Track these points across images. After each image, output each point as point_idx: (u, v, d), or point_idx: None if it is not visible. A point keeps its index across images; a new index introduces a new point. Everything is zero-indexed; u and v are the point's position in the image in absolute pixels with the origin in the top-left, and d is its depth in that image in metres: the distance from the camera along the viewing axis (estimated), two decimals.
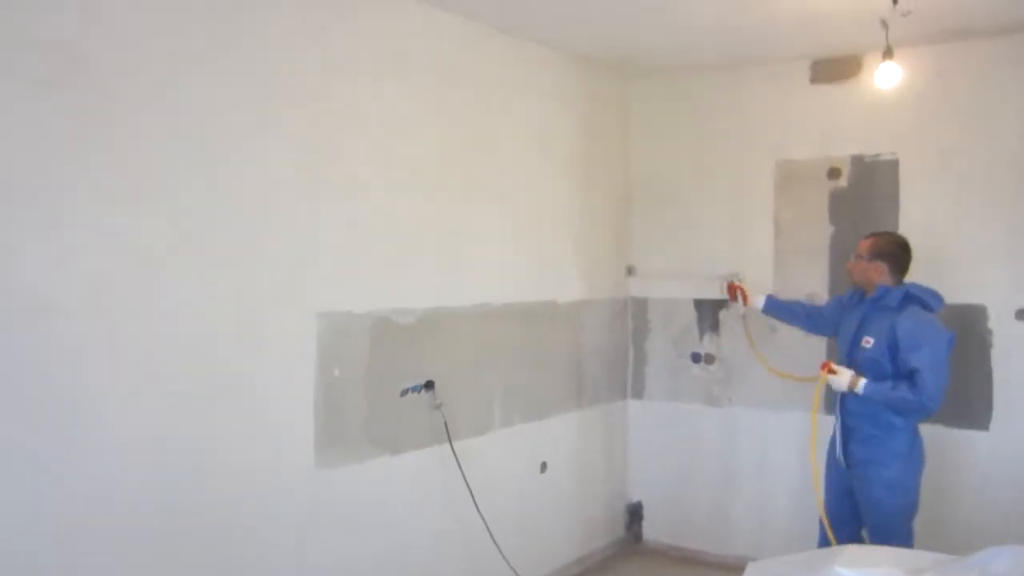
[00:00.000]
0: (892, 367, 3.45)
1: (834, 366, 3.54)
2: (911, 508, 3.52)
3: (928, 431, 4.09)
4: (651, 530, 4.94)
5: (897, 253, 3.58)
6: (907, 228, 4.17)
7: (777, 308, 4.10)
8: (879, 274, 3.57)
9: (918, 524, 3.68)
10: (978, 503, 4.02)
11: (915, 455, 3.52)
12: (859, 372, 3.50)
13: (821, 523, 3.68)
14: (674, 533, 4.85)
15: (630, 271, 4.89)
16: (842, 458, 3.61)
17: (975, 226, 4.05)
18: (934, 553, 2.57)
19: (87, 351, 2.43)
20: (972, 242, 4.06)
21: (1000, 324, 3.99)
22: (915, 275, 4.08)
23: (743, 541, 4.58)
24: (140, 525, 2.56)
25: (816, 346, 4.29)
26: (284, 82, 2.99)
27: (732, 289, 4.11)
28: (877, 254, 3.58)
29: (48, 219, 2.35)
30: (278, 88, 2.97)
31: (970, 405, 4.05)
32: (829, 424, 3.75)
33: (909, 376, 3.39)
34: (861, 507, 3.58)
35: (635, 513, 4.97)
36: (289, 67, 3.00)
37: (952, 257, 4.09)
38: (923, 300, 3.51)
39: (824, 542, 3.67)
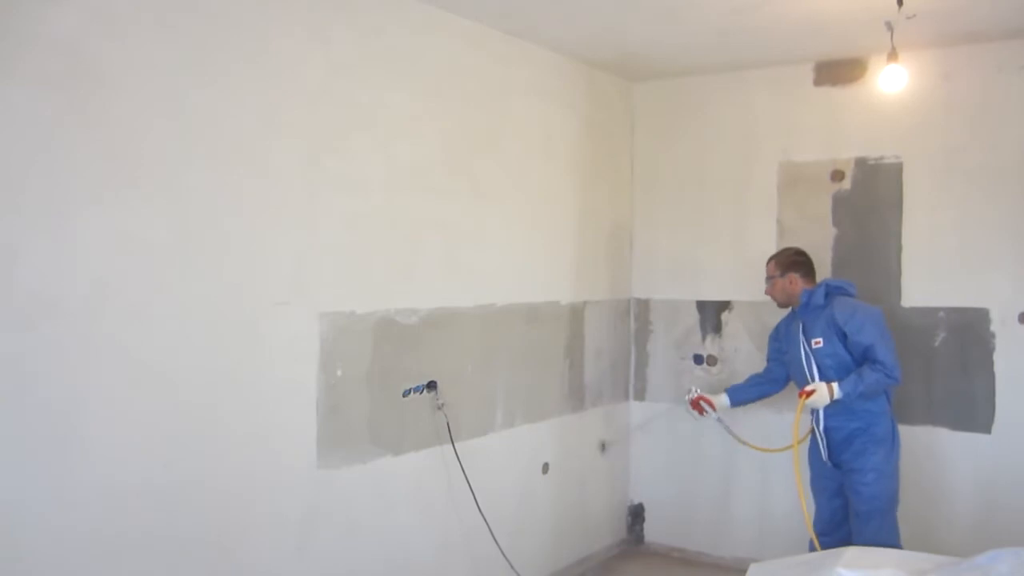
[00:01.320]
0: (847, 353, 3.62)
1: (807, 388, 3.64)
2: (896, 496, 3.64)
3: (930, 433, 4.11)
4: (653, 531, 4.94)
5: (800, 260, 3.86)
6: (910, 230, 4.19)
7: (741, 393, 4.14)
8: (795, 284, 3.81)
9: (920, 526, 3.68)
10: (980, 505, 4.02)
11: (895, 442, 3.66)
12: (825, 376, 3.65)
13: (815, 525, 3.76)
14: (676, 534, 4.85)
15: (603, 447, 4.78)
16: (829, 459, 3.73)
17: (978, 229, 4.05)
18: (936, 555, 2.58)
19: (89, 351, 2.44)
20: (975, 245, 4.06)
21: (1003, 327, 3.98)
22: (918, 277, 4.10)
23: (745, 542, 4.58)
24: (141, 525, 2.56)
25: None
26: (287, 81, 2.99)
27: (696, 404, 4.14)
28: (786, 267, 3.84)
29: (50, 219, 2.35)
30: (281, 87, 2.97)
31: (972, 408, 4.04)
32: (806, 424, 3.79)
33: (863, 355, 3.58)
34: (851, 499, 3.66)
35: (637, 514, 4.97)
36: (292, 66, 3.01)
37: (955, 260, 4.09)
38: (843, 288, 3.76)
39: (823, 529, 3.78)
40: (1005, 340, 3.98)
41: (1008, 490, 3.95)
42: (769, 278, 3.90)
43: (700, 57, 4.43)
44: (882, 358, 3.53)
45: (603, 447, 4.34)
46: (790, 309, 3.92)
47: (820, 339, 3.66)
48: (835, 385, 3.56)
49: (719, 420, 4.22)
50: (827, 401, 3.57)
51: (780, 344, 3.98)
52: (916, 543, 3.55)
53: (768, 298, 3.99)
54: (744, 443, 4.33)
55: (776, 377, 4.07)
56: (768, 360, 4.11)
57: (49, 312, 2.35)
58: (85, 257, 2.42)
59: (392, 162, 3.41)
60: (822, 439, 3.73)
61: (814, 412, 3.74)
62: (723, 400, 4.12)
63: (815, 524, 3.80)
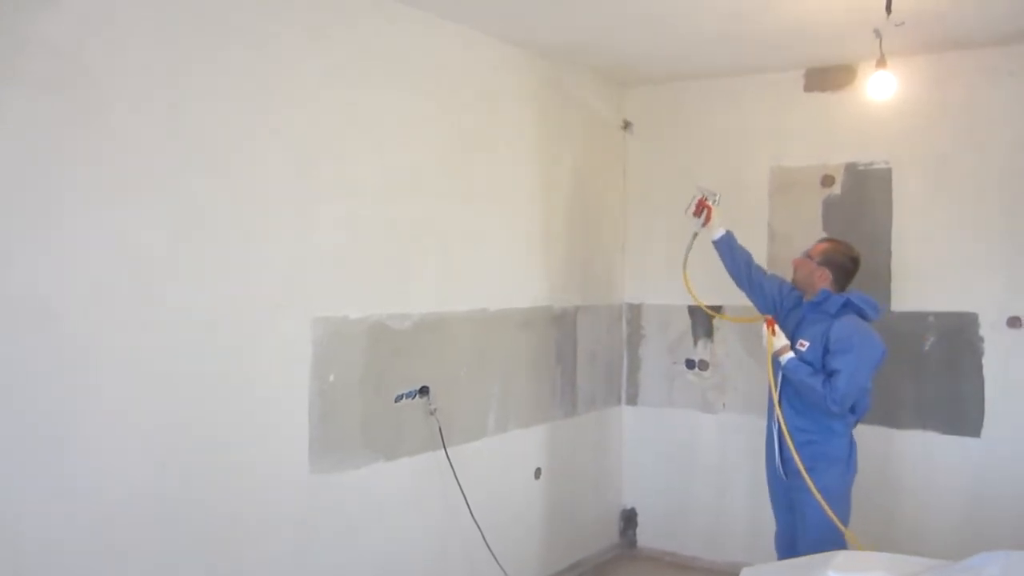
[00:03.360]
0: (821, 367, 3.40)
1: (777, 328, 3.48)
2: (846, 517, 3.42)
3: (920, 437, 4.13)
4: (645, 536, 4.95)
5: (846, 266, 3.53)
6: (899, 235, 4.21)
7: (729, 248, 3.83)
8: (823, 280, 3.50)
9: (910, 529, 3.68)
10: (970, 508, 4.04)
11: (851, 462, 3.46)
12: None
13: (776, 540, 3.65)
14: (668, 539, 4.85)
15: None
16: (780, 466, 3.51)
17: (967, 234, 4.08)
18: (926, 558, 2.59)
19: (84, 354, 2.44)
20: (964, 250, 4.08)
21: (992, 331, 4.01)
22: (908, 282, 4.11)
23: (737, 547, 4.59)
24: (135, 530, 2.56)
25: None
26: (283, 85, 3.00)
27: (701, 205, 3.83)
28: (827, 261, 3.52)
29: (47, 222, 2.36)
30: (277, 91, 2.98)
31: (962, 412, 4.07)
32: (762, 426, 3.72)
33: (828, 373, 3.35)
34: (798, 525, 3.47)
35: (629, 519, 4.98)
36: (288, 70, 3.02)
37: (944, 265, 4.12)
38: (861, 309, 3.45)
39: (782, 547, 3.60)
40: (994, 344, 4.01)
41: (997, 493, 3.97)
42: (807, 255, 3.58)
43: (692, 63, 4.45)
44: (837, 384, 3.29)
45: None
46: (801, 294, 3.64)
47: (807, 343, 3.43)
48: (789, 354, 3.40)
49: (696, 235, 3.91)
50: (772, 351, 3.42)
51: (774, 298, 3.71)
52: (906, 546, 3.56)
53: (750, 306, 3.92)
54: (687, 278, 3.97)
55: (755, 285, 3.78)
56: (768, 277, 3.81)
57: (46, 315, 2.35)
58: (82, 260, 2.43)
59: (387, 166, 3.42)
60: (776, 443, 3.51)
61: (774, 413, 3.52)
62: (717, 231, 3.83)
63: (776, 538, 3.67)
